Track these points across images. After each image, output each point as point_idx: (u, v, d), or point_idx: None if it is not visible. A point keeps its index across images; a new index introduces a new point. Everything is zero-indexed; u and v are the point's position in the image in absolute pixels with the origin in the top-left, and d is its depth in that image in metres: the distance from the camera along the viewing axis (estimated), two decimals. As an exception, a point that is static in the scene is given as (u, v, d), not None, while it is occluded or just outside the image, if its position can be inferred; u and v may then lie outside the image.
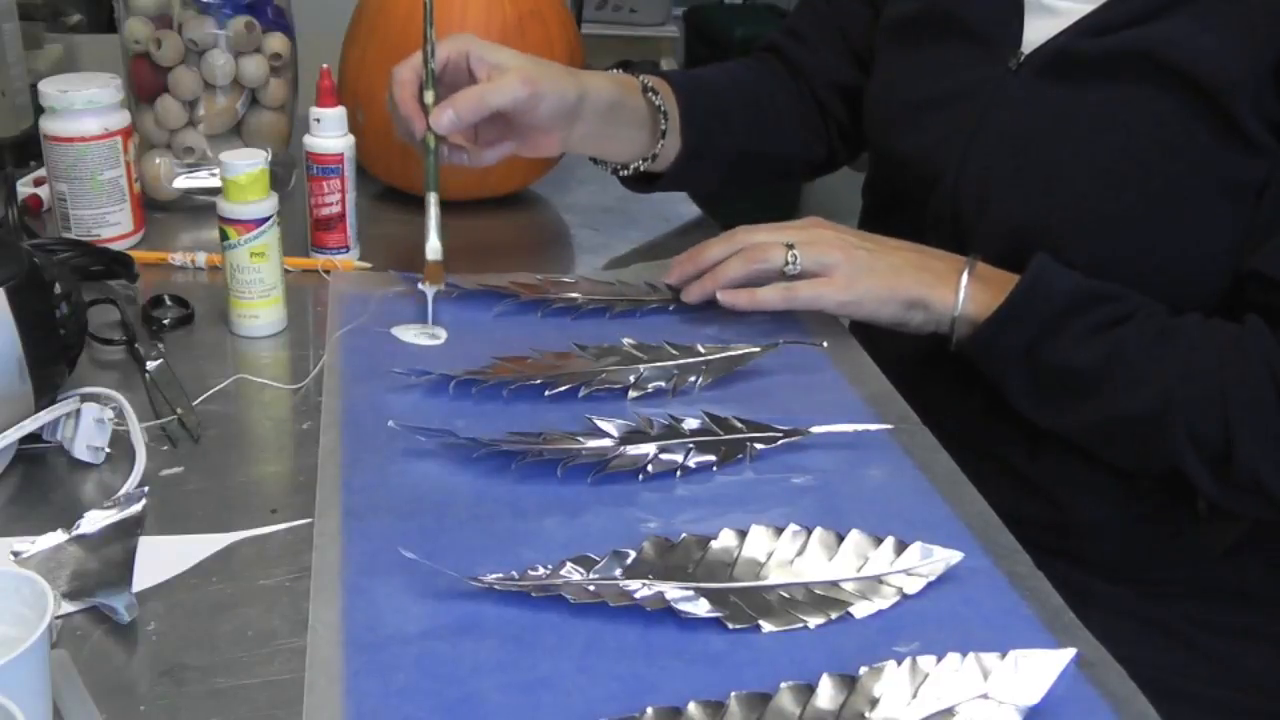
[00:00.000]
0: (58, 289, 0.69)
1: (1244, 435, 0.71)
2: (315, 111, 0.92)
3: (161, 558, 0.60)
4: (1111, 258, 0.78)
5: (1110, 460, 0.81)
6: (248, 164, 0.81)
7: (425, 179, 0.85)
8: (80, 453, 0.67)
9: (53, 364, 0.69)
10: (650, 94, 0.95)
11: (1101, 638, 0.58)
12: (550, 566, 0.59)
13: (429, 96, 0.84)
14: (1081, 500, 0.85)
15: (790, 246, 0.83)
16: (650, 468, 0.69)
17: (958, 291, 0.80)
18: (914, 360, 0.87)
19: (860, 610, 0.58)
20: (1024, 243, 0.80)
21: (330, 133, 0.92)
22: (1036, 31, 0.84)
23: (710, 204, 1.21)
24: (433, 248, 0.84)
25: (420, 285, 0.84)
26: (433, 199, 0.84)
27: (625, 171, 0.98)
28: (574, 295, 0.89)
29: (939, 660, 0.53)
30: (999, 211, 0.84)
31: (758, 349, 0.82)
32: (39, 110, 0.93)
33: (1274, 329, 0.73)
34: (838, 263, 0.82)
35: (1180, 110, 0.76)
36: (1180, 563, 0.86)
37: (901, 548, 0.62)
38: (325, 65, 0.94)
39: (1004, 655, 0.53)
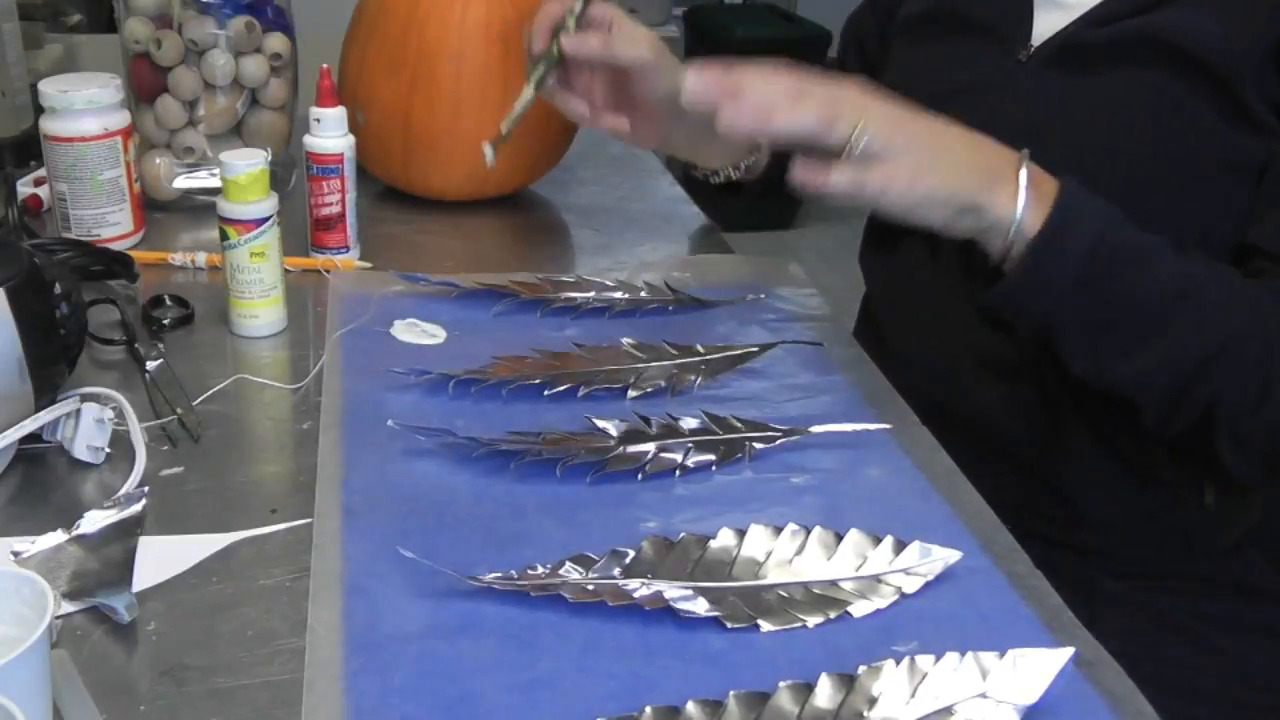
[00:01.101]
0: (58, 289, 0.69)
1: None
2: (315, 111, 0.92)
3: (161, 558, 0.60)
4: None
5: (1139, 416, 0.76)
6: (248, 164, 0.81)
7: (529, 76, 0.88)
8: (80, 453, 0.67)
9: (53, 364, 0.69)
10: None
11: (1110, 633, 0.57)
12: (549, 566, 0.59)
13: (569, 26, 0.87)
14: (1091, 496, 0.85)
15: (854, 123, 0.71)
16: (649, 467, 0.69)
17: (1016, 196, 0.71)
18: (922, 356, 0.87)
19: (859, 609, 0.58)
20: None
21: (330, 133, 0.93)
22: (1046, 25, 0.84)
23: (711, 206, 1.20)
24: (499, 133, 0.88)
25: (484, 146, 0.88)
26: (527, 94, 0.88)
27: (718, 178, 1.01)
28: (574, 295, 0.89)
29: (937, 659, 0.53)
30: None
31: (757, 348, 0.82)
32: (39, 110, 0.93)
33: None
34: (905, 150, 0.71)
35: (1186, 93, 0.76)
36: (1188, 558, 0.86)
37: (900, 547, 0.62)
38: (325, 65, 0.94)
39: (1002, 654, 0.53)
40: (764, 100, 0.70)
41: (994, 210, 0.71)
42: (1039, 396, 0.84)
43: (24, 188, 1.04)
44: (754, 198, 1.05)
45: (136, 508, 0.62)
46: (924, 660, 0.53)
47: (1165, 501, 0.83)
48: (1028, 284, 0.72)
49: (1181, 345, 0.71)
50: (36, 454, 0.68)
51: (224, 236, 0.82)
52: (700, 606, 0.57)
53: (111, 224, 0.96)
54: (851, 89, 0.72)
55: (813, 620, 0.57)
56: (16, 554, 0.58)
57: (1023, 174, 0.72)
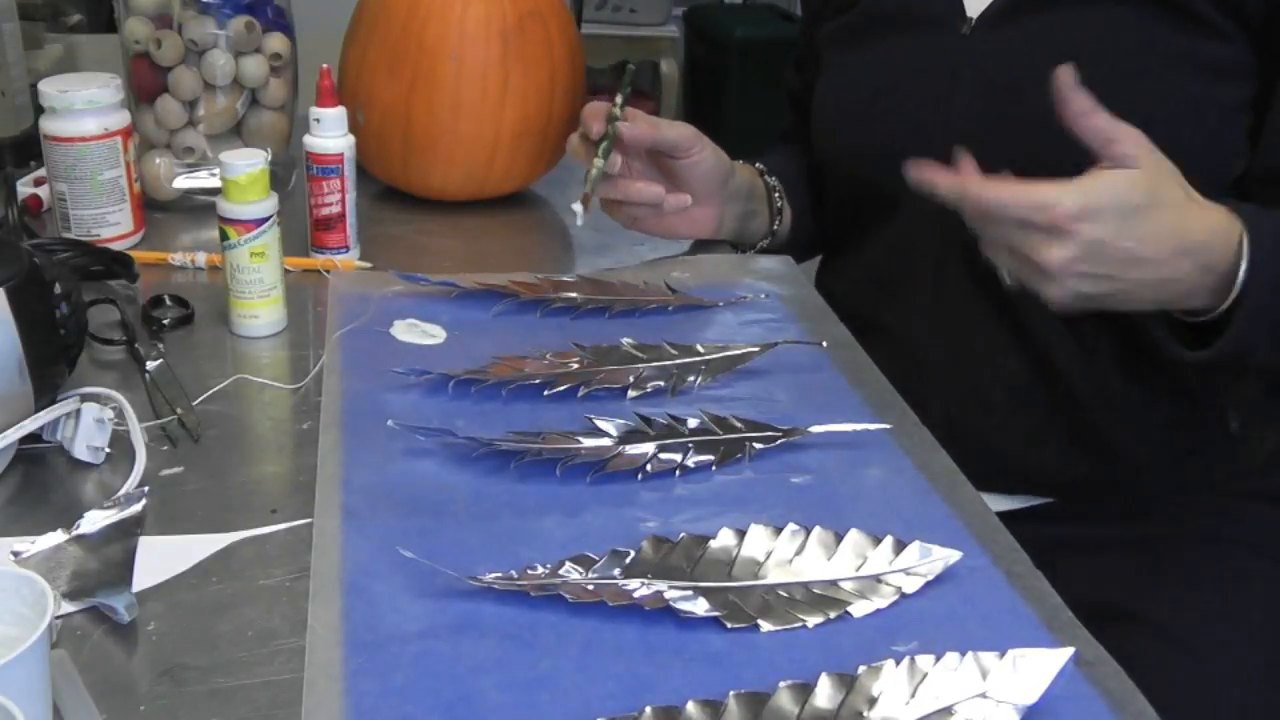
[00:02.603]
0: (58, 289, 0.69)
1: None
2: (315, 111, 0.92)
3: (161, 558, 0.60)
4: None
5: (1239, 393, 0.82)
6: (248, 164, 0.81)
7: (599, 150, 0.92)
8: (80, 453, 0.67)
9: (53, 364, 0.69)
10: (765, 176, 1.05)
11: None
12: (549, 566, 0.59)
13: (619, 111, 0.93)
14: (1123, 436, 0.87)
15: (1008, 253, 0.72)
16: (649, 467, 0.69)
17: (1229, 284, 0.71)
18: (929, 361, 0.88)
19: (859, 609, 0.58)
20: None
21: (330, 133, 0.93)
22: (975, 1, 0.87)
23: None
24: (585, 195, 0.92)
25: (574, 206, 0.92)
26: (599, 163, 0.92)
27: (754, 250, 1.06)
28: (573, 295, 0.89)
29: (937, 659, 0.53)
30: (999, 159, 0.79)
31: (757, 349, 0.82)
32: (39, 110, 0.93)
33: None
34: (1047, 294, 0.71)
35: (1141, 15, 0.80)
36: (1215, 490, 0.89)
37: (900, 547, 0.62)
38: (325, 65, 0.94)
39: (1002, 654, 0.53)
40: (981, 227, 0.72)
41: (1195, 302, 0.73)
42: (1060, 347, 0.86)
43: (24, 188, 1.04)
44: (792, 251, 1.08)
45: (136, 508, 0.62)
46: (924, 660, 0.53)
47: (1194, 436, 0.86)
48: (1251, 324, 0.72)
49: None
50: (36, 454, 0.68)
51: (224, 236, 0.82)
52: (700, 606, 0.57)
53: (111, 224, 0.96)
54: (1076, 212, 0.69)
55: (813, 620, 0.57)
56: (16, 554, 0.58)
57: (1242, 270, 0.71)
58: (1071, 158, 0.78)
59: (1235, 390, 0.82)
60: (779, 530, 0.62)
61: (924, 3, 0.90)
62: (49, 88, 0.91)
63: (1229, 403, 0.86)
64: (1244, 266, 0.72)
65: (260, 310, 0.84)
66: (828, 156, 1.04)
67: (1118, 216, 0.69)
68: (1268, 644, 0.84)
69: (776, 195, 1.05)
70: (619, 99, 0.94)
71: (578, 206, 0.92)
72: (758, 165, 1.07)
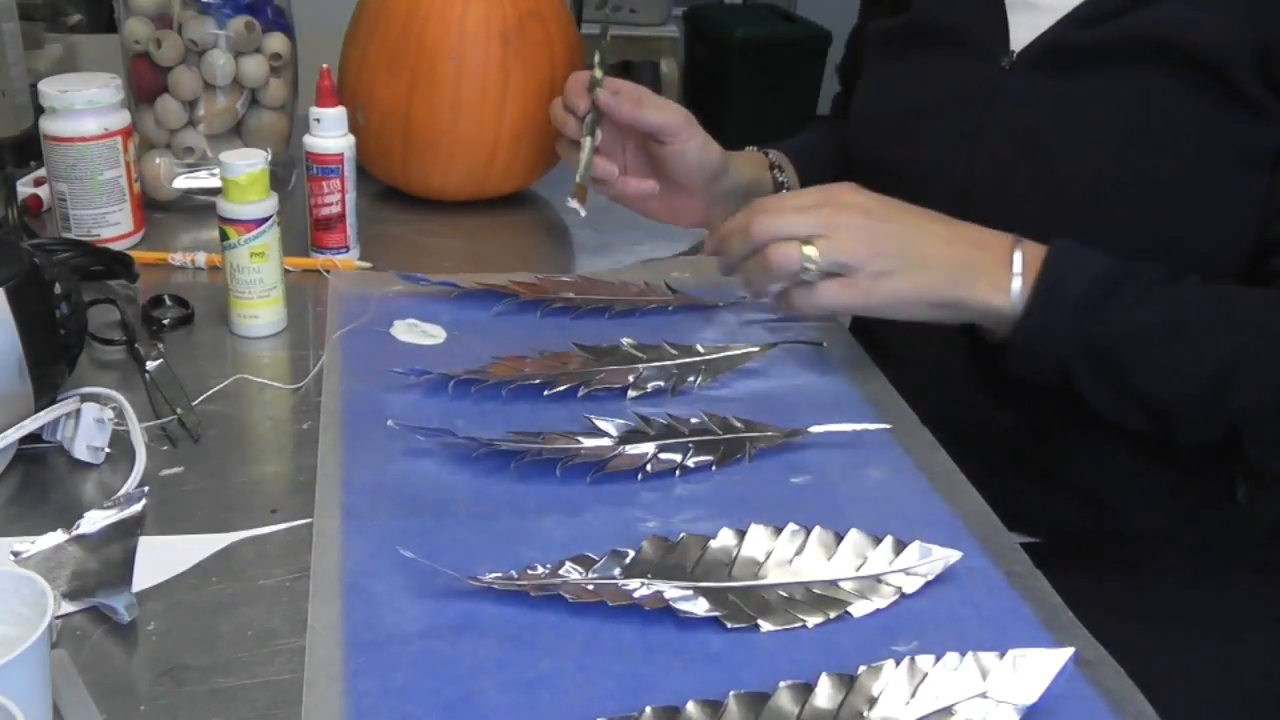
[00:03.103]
0: (58, 289, 0.69)
1: None
2: (315, 111, 0.92)
3: (161, 558, 0.60)
4: (1136, 242, 0.77)
5: (1168, 440, 0.77)
6: (248, 164, 0.81)
7: (583, 129, 0.92)
8: (80, 453, 0.67)
9: (53, 364, 0.69)
10: (776, 170, 1.02)
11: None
12: (549, 566, 0.59)
13: (599, 81, 0.91)
14: (1126, 501, 0.85)
15: (806, 243, 0.75)
16: (649, 467, 0.69)
17: (1009, 290, 0.73)
18: (934, 372, 0.87)
19: (859, 609, 0.58)
20: (1039, 238, 0.78)
21: (330, 133, 0.93)
22: (1022, 29, 0.84)
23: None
24: (577, 185, 0.91)
25: (570, 202, 0.91)
26: (588, 143, 0.91)
27: None
28: (573, 295, 0.89)
29: (937, 659, 0.53)
30: (1017, 210, 0.82)
31: (757, 349, 0.82)
32: (39, 110, 0.93)
33: None
34: (859, 264, 0.74)
35: (1184, 88, 0.75)
36: (1221, 553, 0.85)
37: (900, 547, 0.62)
38: (325, 65, 0.94)
39: (1002, 654, 0.53)
40: (745, 279, 0.79)
41: (975, 302, 0.74)
42: (1054, 402, 0.82)
43: (24, 188, 1.04)
44: None
45: (136, 508, 0.62)
46: (924, 660, 0.53)
47: (1196, 501, 0.83)
48: (1033, 341, 0.74)
49: (1192, 364, 0.72)
50: (36, 454, 0.68)
51: (224, 236, 0.82)
52: (700, 606, 0.57)
53: (111, 224, 0.96)
54: (825, 193, 0.78)
55: (813, 620, 0.57)
56: (16, 554, 0.58)
57: (1016, 260, 0.74)
58: (1090, 220, 0.78)
59: (1240, 457, 0.79)
60: (779, 530, 0.62)
61: (970, 24, 0.87)
62: (49, 88, 0.91)
63: (1237, 471, 0.82)
64: (1019, 256, 0.74)
65: (260, 310, 0.84)
66: (854, 162, 1.01)
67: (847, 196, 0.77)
68: (1255, 714, 0.82)
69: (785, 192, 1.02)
70: (597, 70, 0.92)
71: (573, 202, 0.91)
72: (769, 154, 1.03)
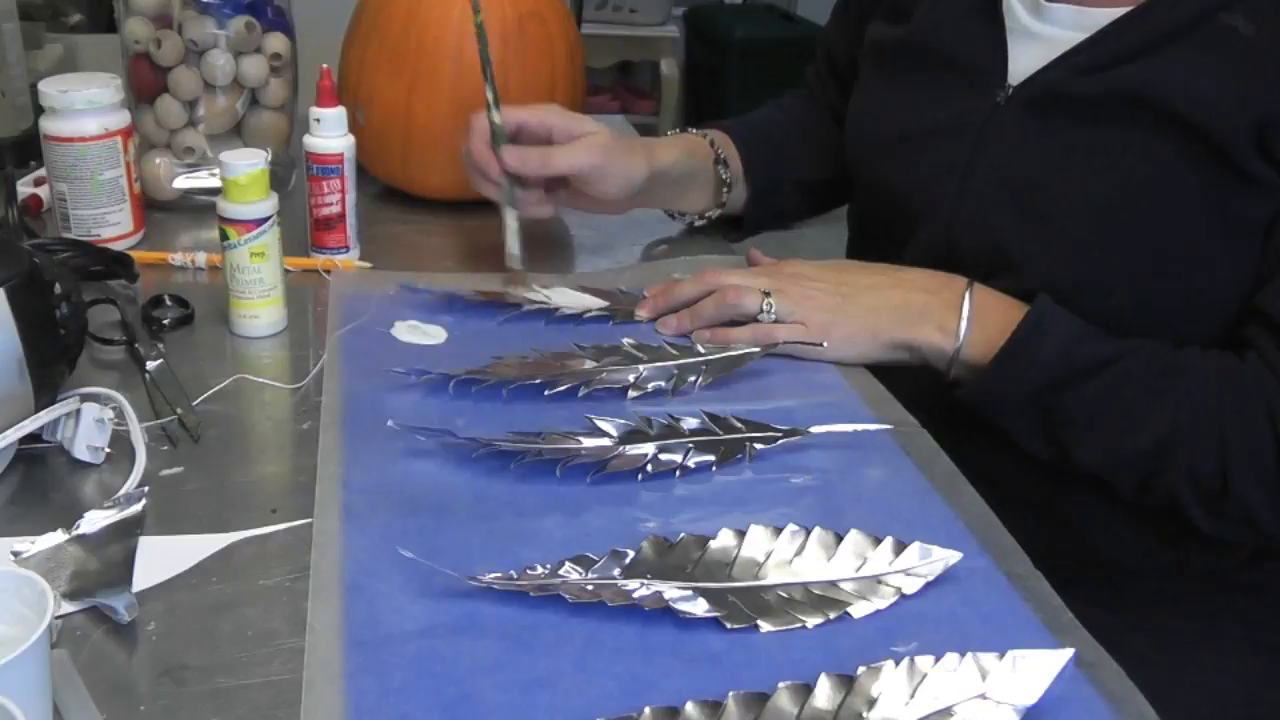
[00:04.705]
0: (58, 289, 0.69)
1: (1240, 476, 0.72)
2: (315, 111, 0.92)
3: (161, 558, 0.60)
4: (1116, 299, 0.77)
5: (1117, 492, 0.79)
6: (248, 164, 0.81)
7: (502, 199, 0.91)
8: (80, 453, 0.67)
9: (53, 364, 0.69)
10: (714, 149, 1.01)
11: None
12: (549, 566, 0.59)
13: (499, 135, 0.89)
14: (1104, 535, 0.84)
15: (767, 294, 0.82)
16: (649, 468, 0.69)
17: (956, 334, 0.79)
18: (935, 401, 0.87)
19: (859, 610, 0.58)
20: (1024, 282, 0.79)
21: (330, 133, 0.93)
22: (1021, 62, 0.83)
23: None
24: (512, 256, 0.90)
25: (508, 288, 0.89)
26: (511, 214, 0.91)
27: (701, 221, 1.05)
28: (570, 309, 0.88)
29: (937, 660, 0.53)
30: (998, 251, 0.82)
31: (757, 349, 0.82)
32: (39, 110, 0.93)
33: (1273, 369, 0.72)
34: (810, 312, 0.82)
35: (1176, 153, 0.74)
36: (1209, 574, 0.84)
37: (900, 548, 0.62)
38: (325, 65, 0.94)
39: (1002, 655, 0.53)
40: (695, 311, 0.85)
41: (921, 342, 0.80)
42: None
43: (24, 188, 1.04)
44: (756, 227, 1.09)
45: (136, 508, 0.62)
46: (923, 661, 0.53)
47: (1176, 529, 0.80)
48: (979, 403, 0.79)
49: (1117, 442, 0.75)
50: (36, 454, 0.68)
51: (224, 236, 0.82)
52: (700, 607, 0.57)
53: (111, 224, 0.96)
54: (775, 265, 0.87)
55: (812, 621, 0.57)
56: (16, 554, 0.58)
57: (965, 304, 0.79)
58: (1074, 274, 0.78)
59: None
60: (779, 531, 0.62)
61: (970, 53, 0.86)
62: (49, 88, 0.91)
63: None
64: (967, 301, 0.78)
65: (260, 310, 0.84)
66: (853, 181, 1.01)
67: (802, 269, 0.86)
68: None
69: (725, 186, 1.02)
70: (494, 114, 0.89)
71: (514, 265, 0.90)
72: (713, 139, 1.02)
